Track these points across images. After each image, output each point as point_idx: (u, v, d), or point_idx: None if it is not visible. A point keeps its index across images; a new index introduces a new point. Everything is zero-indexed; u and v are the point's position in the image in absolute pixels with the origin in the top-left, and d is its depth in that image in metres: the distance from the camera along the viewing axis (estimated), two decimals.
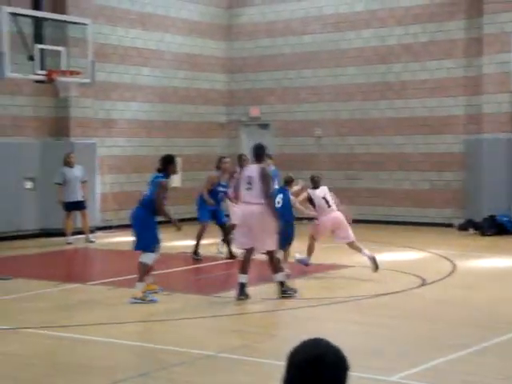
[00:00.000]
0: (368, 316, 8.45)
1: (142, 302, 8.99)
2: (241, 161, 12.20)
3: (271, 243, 9.21)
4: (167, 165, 9.25)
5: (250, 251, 9.28)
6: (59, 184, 14.61)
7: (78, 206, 14.77)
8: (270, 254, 9.32)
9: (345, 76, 18.53)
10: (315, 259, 11.29)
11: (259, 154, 9.46)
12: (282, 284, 9.32)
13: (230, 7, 20.12)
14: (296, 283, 10.16)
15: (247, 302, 9.19)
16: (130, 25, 17.89)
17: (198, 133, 19.57)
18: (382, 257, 12.50)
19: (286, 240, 10.35)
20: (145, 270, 9.18)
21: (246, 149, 20.08)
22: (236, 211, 10.89)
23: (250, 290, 9.31)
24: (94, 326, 8.03)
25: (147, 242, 9.15)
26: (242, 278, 9.18)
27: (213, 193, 12.45)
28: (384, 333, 7.76)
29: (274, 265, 9.34)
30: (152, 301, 9.09)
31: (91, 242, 14.69)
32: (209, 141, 19.87)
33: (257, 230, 9.06)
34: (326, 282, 10.64)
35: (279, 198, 10.53)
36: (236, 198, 10.54)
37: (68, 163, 14.78)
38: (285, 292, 9.30)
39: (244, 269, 9.19)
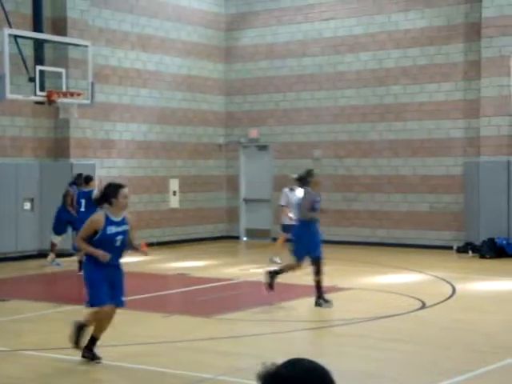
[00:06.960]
0: (366, 339, 8.40)
1: None
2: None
3: None
4: None
5: None
6: (282, 206, 14.54)
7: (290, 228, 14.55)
8: None
9: (343, 98, 18.60)
10: (309, 282, 11.21)
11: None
12: None
13: (228, 29, 20.23)
14: (293, 305, 10.09)
15: (249, 326, 9.13)
16: (130, 46, 17.98)
17: (196, 154, 19.60)
18: (382, 279, 12.48)
19: None
20: None
21: (244, 170, 20.11)
22: None
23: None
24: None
25: None
26: None
27: None
28: (383, 356, 7.71)
29: None
30: None
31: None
32: (207, 162, 19.90)
33: None
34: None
35: None
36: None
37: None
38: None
39: None
